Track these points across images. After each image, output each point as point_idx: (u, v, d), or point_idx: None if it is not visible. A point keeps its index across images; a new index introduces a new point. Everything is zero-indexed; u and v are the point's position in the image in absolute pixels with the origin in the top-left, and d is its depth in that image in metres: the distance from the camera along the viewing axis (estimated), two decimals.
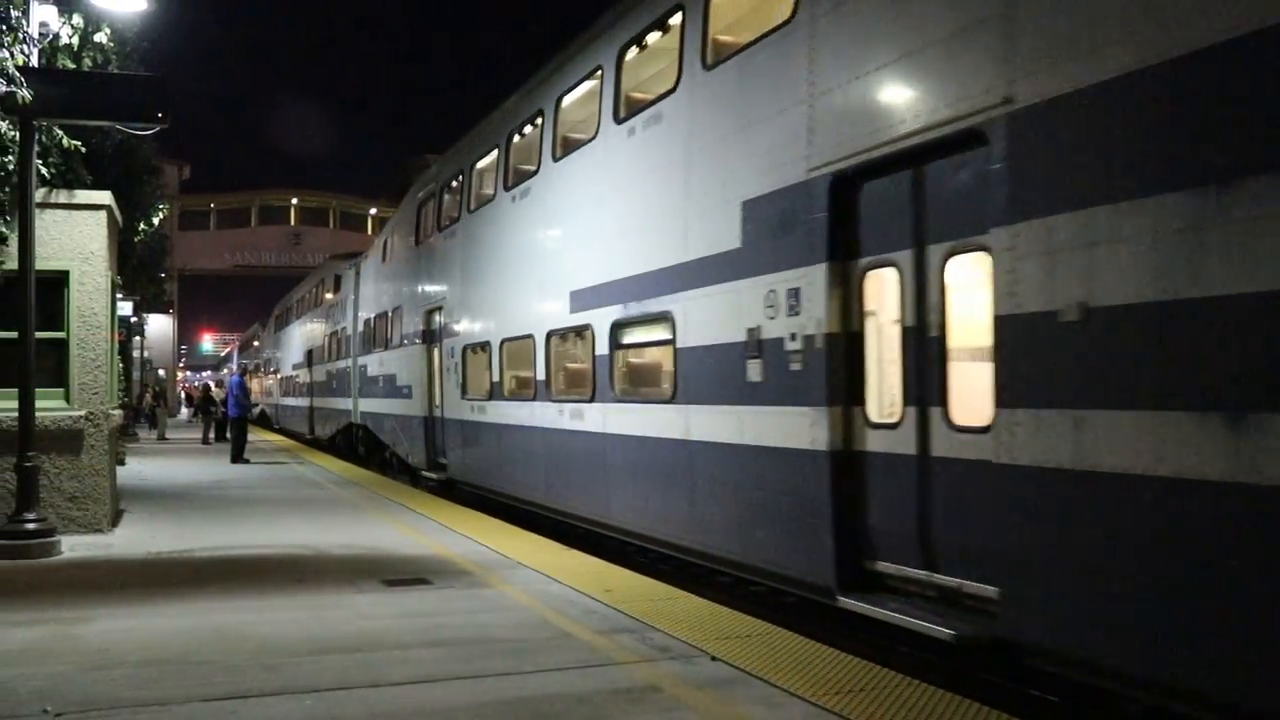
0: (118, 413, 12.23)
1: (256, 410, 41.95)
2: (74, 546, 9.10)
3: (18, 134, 8.59)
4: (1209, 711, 4.23)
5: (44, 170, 9.40)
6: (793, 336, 6.80)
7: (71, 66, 9.67)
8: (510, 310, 12.56)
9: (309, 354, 32.20)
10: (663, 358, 8.97)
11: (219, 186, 72.82)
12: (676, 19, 8.51)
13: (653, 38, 9.13)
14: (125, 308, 20.53)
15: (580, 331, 10.29)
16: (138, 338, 33.13)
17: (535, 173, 11.63)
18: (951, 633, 5.40)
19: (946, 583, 5.77)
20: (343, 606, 6.79)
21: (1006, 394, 5.06)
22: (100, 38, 10.09)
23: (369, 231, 59.45)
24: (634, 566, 8.79)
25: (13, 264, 8.96)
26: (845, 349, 6.42)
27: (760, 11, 7.76)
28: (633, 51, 9.42)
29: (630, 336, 9.47)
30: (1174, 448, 4.25)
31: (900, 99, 5.95)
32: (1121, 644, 4.52)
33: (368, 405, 21.73)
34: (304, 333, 34.15)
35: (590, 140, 10.12)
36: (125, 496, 12.84)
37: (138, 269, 18.94)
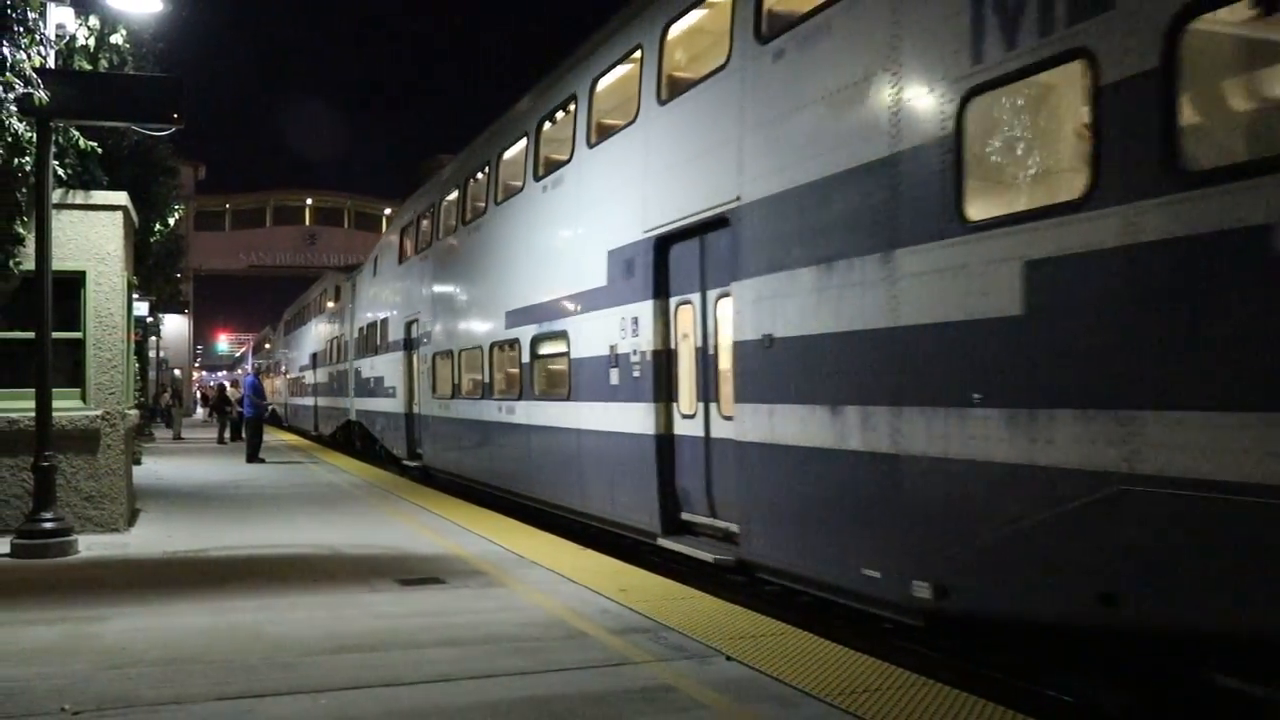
0: (134, 412, 12.30)
1: (269, 410, 42.37)
2: (91, 546, 9.15)
3: (35, 135, 8.59)
4: (821, 589, 6.95)
5: (60, 171, 9.41)
6: (635, 351, 9.39)
7: (88, 68, 9.67)
8: (467, 324, 15.15)
9: (314, 357, 34.15)
10: (564, 365, 11.20)
11: (234, 187, 73.39)
12: (573, 106, 11.16)
13: (559, 115, 11.84)
14: (141, 308, 20.53)
15: (512, 344, 12.83)
16: (153, 338, 33.23)
17: (484, 212, 14.25)
18: (712, 557, 7.94)
19: (723, 526, 8.26)
20: (358, 606, 6.82)
21: (739, 393, 7.66)
22: (116, 39, 10.09)
23: (383, 232, 59.51)
24: (649, 566, 8.82)
25: (30, 264, 9.00)
26: (665, 361, 9.00)
27: (621, 108, 10.23)
28: (547, 125, 12.25)
29: (544, 348, 11.95)
30: (811, 427, 6.76)
31: (692, 186, 8.37)
32: (794, 554, 7.06)
33: (362, 404, 24.04)
34: (309, 337, 36.38)
35: (520, 192, 12.76)
36: (141, 496, 12.91)
37: (153, 269, 19.00)
